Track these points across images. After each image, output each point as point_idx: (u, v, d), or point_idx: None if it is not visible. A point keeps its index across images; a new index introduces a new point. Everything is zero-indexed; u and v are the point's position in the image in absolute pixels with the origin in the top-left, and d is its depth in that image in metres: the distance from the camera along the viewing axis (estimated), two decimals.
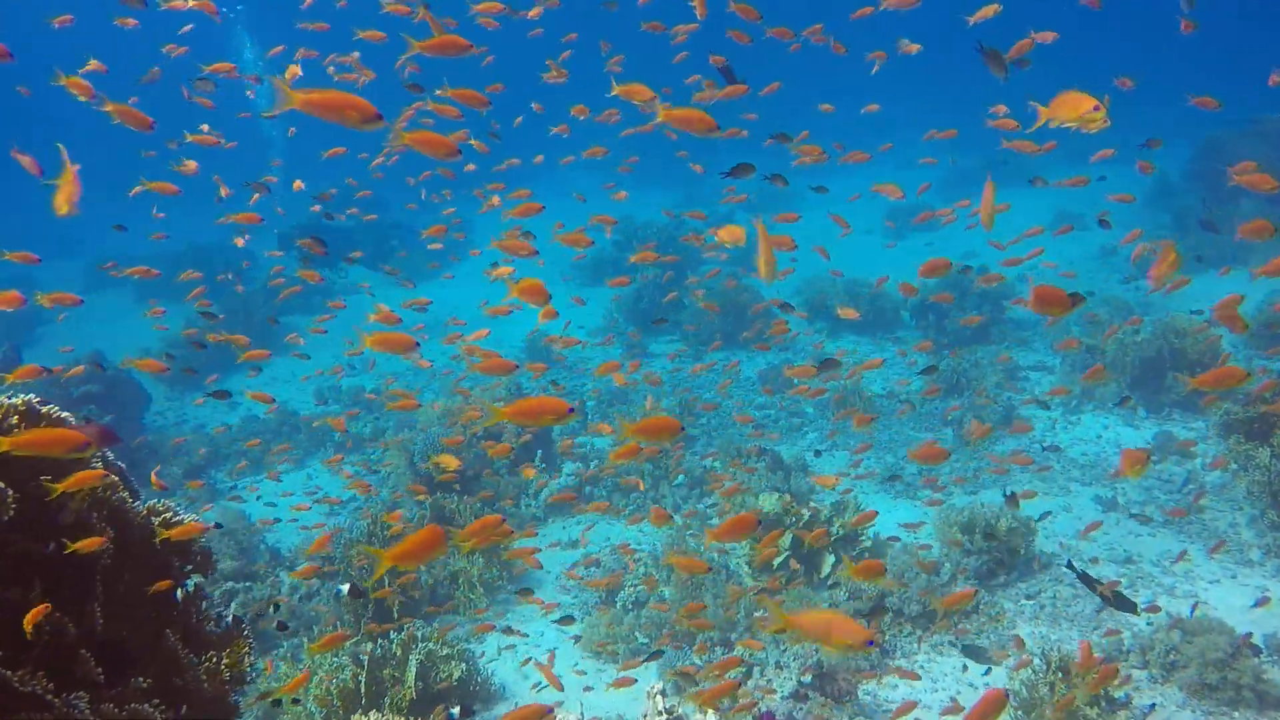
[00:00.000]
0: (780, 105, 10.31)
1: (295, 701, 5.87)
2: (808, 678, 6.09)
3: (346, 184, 10.76)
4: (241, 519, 9.25)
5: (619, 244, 16.45)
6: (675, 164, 14.45)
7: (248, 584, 8.14)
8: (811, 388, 10.05)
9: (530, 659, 6.92)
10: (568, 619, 7.07)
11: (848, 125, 12.88)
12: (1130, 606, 5.25)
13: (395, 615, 7.29)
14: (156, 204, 8.58)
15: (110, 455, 3.41)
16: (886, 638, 6.60)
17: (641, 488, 9.23)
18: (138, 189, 7.65)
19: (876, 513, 6.97)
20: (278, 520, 9.53)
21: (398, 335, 5.02)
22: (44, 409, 2.86)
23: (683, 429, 4.43)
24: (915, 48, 7.84)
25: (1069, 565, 6.34)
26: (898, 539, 7.59)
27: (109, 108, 5.60)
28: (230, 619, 3.43)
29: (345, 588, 6.41)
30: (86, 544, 2.66)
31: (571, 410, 3.74)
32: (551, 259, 8.79)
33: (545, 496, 9.40)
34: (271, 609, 7.27)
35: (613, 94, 5.57)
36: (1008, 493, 6.73)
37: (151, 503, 3.22)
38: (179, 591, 3.27)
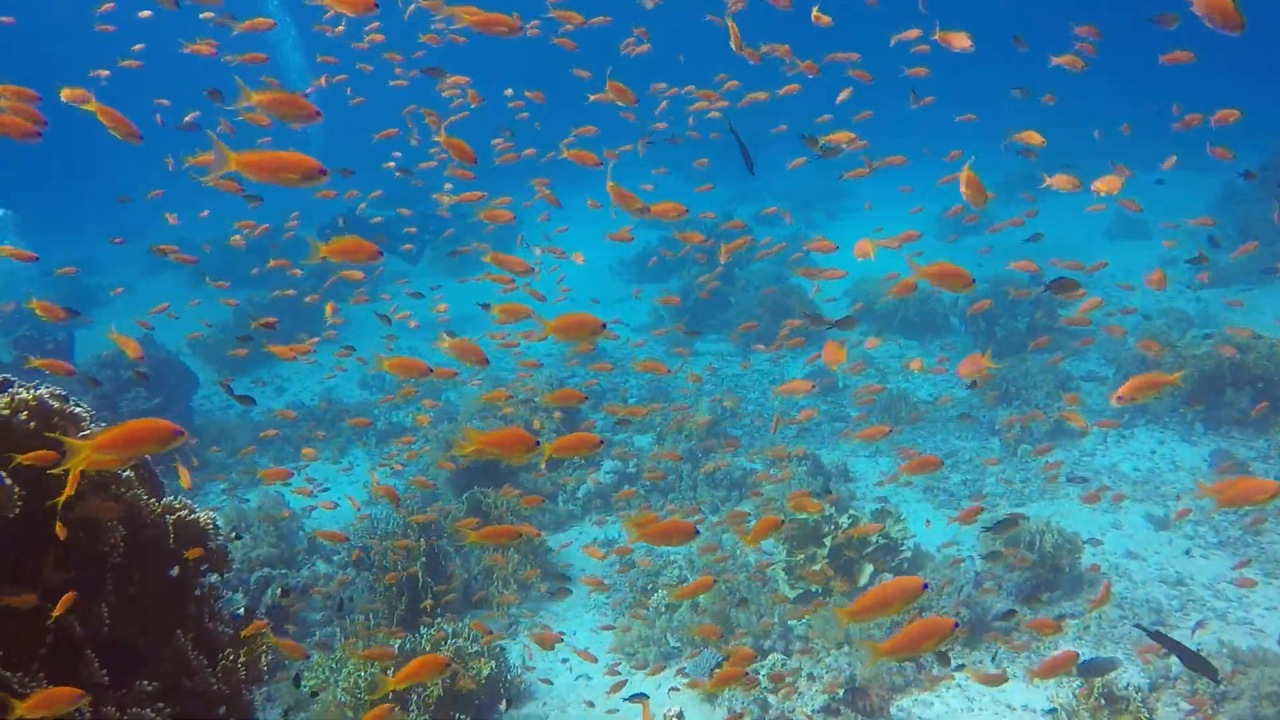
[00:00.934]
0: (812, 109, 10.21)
1: (314, 694, 5.87)
2: (839, 692, 5.95)
3: (394, 177, 10.73)
4: (281, 505, 9.31)
5: (667, 241, 16.30)
6: (726, 159, 14.30)
7: (284, 570, 8.21)
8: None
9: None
10: (563, 591, 7.17)
11: (890, 125, 12.60)
12: (1211, 672, 5.04)
13: (428, 610, 7.28)
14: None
15: None
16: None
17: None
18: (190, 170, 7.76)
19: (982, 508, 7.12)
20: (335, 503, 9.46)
21: (411, 360, 5.09)
22: (55, 404, 2.83)
23: (604, 325, 4.29)
24: (966, 38, 7.70)
25: (1136, 624, 6.21)
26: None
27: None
28: (241, 612, 3.39)
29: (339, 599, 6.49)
30: (61, 530, 2.59)
31: (537, 444, 3.84)
32: (601, 253, 8.69)
33: (583, 494, 9.34)
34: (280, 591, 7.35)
35: (606, 87, 5.71)
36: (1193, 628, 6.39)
37: (168, 500, 3.19)
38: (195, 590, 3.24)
